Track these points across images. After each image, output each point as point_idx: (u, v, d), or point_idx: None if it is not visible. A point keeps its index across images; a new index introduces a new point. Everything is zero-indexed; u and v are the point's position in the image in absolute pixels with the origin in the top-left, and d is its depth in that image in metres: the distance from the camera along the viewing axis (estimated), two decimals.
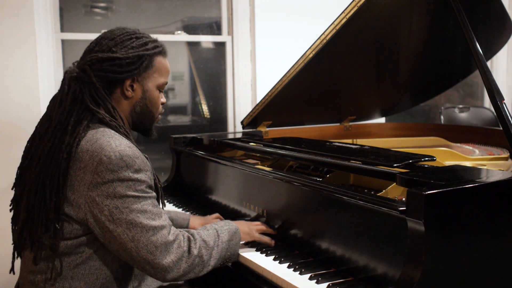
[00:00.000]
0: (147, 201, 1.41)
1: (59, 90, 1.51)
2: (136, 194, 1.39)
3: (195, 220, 2.01)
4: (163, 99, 1.65)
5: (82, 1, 3.33)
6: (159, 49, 1.58)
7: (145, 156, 1.50)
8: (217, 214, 2.05)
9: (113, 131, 1.46)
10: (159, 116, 1.66)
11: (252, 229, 1.76)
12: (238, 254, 1.66)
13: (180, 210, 2.30)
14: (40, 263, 1.45)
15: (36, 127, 1.53)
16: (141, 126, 1.63)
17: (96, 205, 1.38)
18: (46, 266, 1.43)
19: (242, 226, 1.73)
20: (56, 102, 1.50)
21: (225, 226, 1.65)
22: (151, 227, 1.39)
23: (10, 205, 1.54)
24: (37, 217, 1.41)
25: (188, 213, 2.05)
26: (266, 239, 1.76)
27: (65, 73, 1.52)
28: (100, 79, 1.49)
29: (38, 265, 1.45)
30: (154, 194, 1.46)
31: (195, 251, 1.48)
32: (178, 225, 1.97)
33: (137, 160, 1.41)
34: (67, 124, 1.44)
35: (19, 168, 1.53)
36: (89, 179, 1.38)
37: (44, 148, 1.44)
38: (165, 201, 2.45)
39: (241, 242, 1.71)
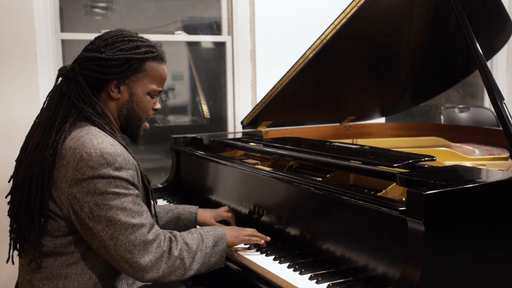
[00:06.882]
0: (127, 198, 1.40)
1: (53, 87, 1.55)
2: (117, 190, 1.38)
3: (206, 213, 1.98)
4: (157, 106, 1.62)
5: (82, 1, 3.33)
6: (153, 55, 1.55)
7: (132, 155, 1.49)
8: (226, 208, 2.03)
9: (98, 129, 1.47)
10: (146, 123, 1.63)
11: (240, 233, 1.72)
12: (225, 262, 1.62)
13: None
14: (30, 261, 1.45)
15: (34, 121, 1.55)
16: (128, 130, 1.62)
17: (77, 202, 1.38)
18: (37, 264, 1.44)
19: (230, 231, 1.69)
20: (47, 98, 1.53)
21: (211, 231, 1.60)
22: (130, 225, 1.38)
23: (6, 197, 1.54)
24: (23, 213, 1.42)
25: (195, 206, 2.02)
26: (254, 239, 1.73)
27: (58, 70, 1.56)
28: (86, 78, 1.50)
29: (32, 264, 1.45)
30: (136, 191, 1.44)
31: (175, 252, 1.45)
32: (185, 220, 1.95)
33: (118, 158, 1.40)
34: (54, 120, 1.46)
35: (16, 160, 1.54)
36: (70, 175, 1.39)
37: (33, 144, 1.46)
38: (165, 201, 2.46)
39: (235, 247, 1.71)
